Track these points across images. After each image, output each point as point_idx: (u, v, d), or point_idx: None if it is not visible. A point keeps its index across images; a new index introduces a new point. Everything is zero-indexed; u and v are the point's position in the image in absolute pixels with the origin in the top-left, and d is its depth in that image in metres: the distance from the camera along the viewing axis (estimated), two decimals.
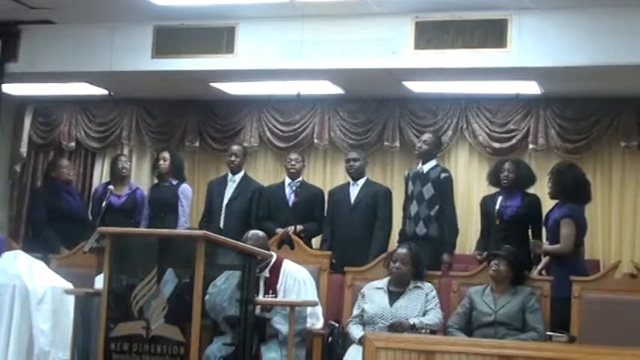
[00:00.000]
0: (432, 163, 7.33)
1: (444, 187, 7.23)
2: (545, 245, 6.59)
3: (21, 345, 5.80)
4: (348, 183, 7.64)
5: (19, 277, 5.91)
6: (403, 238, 7.24)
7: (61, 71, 8.43)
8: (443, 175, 7.26)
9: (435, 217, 7.17)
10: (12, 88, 8.96)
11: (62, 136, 9.87)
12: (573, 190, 6.54)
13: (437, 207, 7.18)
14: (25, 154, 10.01)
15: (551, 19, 7.22)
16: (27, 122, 10.01)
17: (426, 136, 7.54)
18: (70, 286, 6.01)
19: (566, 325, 5.98)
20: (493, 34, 7.31)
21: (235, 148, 8.07)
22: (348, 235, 7.34)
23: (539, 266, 6.60)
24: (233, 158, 7.93)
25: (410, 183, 7.37)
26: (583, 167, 7.52)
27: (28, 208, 9.44)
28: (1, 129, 8.87)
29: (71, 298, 5.77)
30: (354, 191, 7.52)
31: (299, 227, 7.31)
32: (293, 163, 7.75)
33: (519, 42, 7.24)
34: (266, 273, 5.92)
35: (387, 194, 7.63)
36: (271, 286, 5.90)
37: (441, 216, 7.19)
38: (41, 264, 6.23)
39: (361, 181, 7.56)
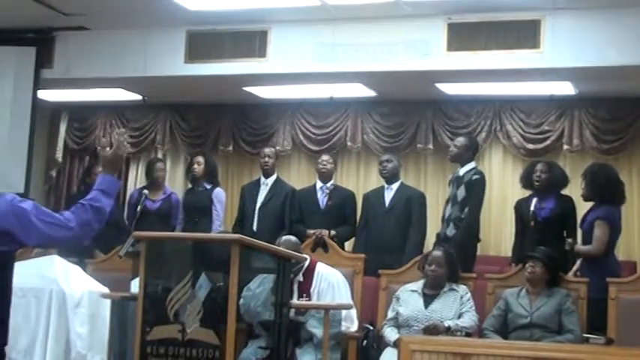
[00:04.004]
0: (470, 166, 7.28)
1: (473, 188, 7.18)
2: (578, 245, 6.54)
3: (58, 349, 5.84)
4: (383, 187, 7.62)
5: (56, 282, 5.95)
6: (437, 240, 7.23)
7: (95, 77, 8.51)
8: (475, 177, 7.21)
9: (464, 219, 7.13)
10: (47, 94, 9.05)
11: (97, 141, 9.93)
12: (607, 191, 6.48)
13: (467, 209, 7.15)
14: (60, 160, 10.11)
15: (584, 19, 7.17)
16: (62, 128, 10.12)
17: (458, 140, 7.49)
18: (106, 290, 6.04)
19: (602, 326, 5.93)
20: (526, 34, 7.27)
21: (267, 150, 8.07)
22: (382, 239, 7.32)
23: (574, 268, 6.55)
24: (267, 159, 7.92)
25: (449, 186, 7.37)
26: (618, 168, 7.47)
27: None
28: (37, 135, 8.93)
29: (107, 302, 5.81)
30: (388, 195, 7.50)
31: (332, 232, 7.29)
32: (324, 164, 7.75)
33: (553, 42, 7.20)
34: (300, 277, 5.93)
35: (421, 198, 7.59)
36: (305, 289, 5.90)
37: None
38: (77, 268, 6.28)
39: (395, 185, 7.54)
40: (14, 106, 8.59)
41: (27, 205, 3.31)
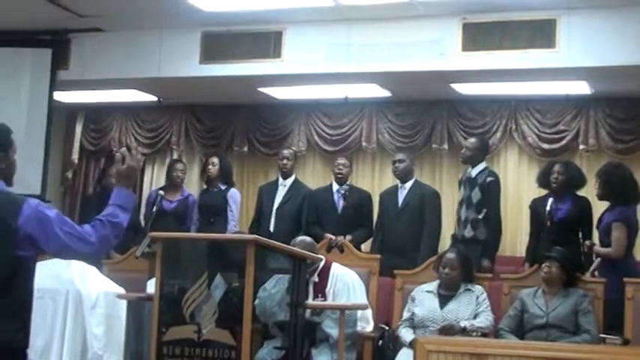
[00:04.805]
0: (481, 166, 7.29)
1: (489, 191, 7.18)
2: (597, 247, 6.52)
3: (75, 349, 5.87)
4: (397, 186, 7.60)
5: (72, 282, 5.98)
6: (453, 241, 7.22)
7: (111, 78, 8.54)
8: (489, 179, 7.21)
9: (483, 221, 7.13)
10: (63, 96, 9.09)
11: (113, 142, 9.98)
12: (621, 191, 6.46)
13: (484, 211, 7.14)
14: (76, 161, 10.15)
15: (600, 19, 7.15)
16: (78, 129, 10.15)
17: (469, 142, 7.49)
18: (122, 290, 6.06)
19: (619, 327, 5.91)
20: (542, 34, 7.25)
21: (286, 152, 8.06)
22: (396, 239, 7.30)
23: (592, 267, 6.53)
24: (285, 162, 7.91)
25: (461, 187, 7.36)
26: (634, 167, 7.42)
27: (80, 215, 9.55)
28: (53, 136, 8.98)
29: (123, 303, 5.82)
30: (401, 194, 7.48)
31: (347, 237, 7.22)
32: (340, 167, 7.71)
33: (568, 42, 7.18)
34: (315, 277, 5.92)
35: (434, 196, 7.57)
36: (320, 289, 5.90)
37: (487, 220, 7.16)
38: (94, 269, 6.30)
39: (409, 184, 7.51)
40: (31, 107, 8.65)
41: (51, 212, 3.35)
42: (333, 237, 7.03)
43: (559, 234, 6.71)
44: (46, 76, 8.65)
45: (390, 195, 7.61)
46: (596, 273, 6.45)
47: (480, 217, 7.11)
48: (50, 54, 8.63)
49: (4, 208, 3.32)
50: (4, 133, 3.50)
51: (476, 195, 7.15)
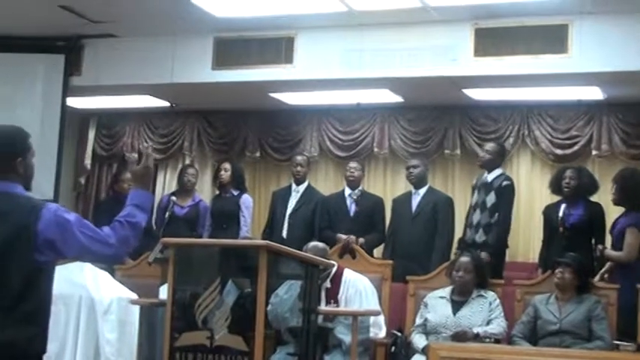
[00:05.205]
0: (497, 172, 7.29)
1: (503, 194, 7.18)
2: (608, 251, 6.51)
3: (87, 355, 5.87)
4: (410, 192, 7.60)
5: (85, 288, 5.99)
6: (463, 245, 7.20)
7: (123, 84, 8.56)
8: (505, 182, 7.22)
9: (495, 225, 7.12)
10: (76, 102, 9.12)
11: (125, 147, 10.00)
12: (636, 197, 6.45)
13: (497, 215, 7.14)
14: (89, 166, 10.16)
15: (613, 24, 7.12)
16: (91, 135, 10.17)
17: (489, 146, 7.49)
18: (135, 296, 6.07)
19: (632, 333, 5.89)
20: (554, 39, 7.23)
21: (300, 158, 8.09)
22: (409, 245, 7.30)
23: (602, 270, 6.51)
24: (299, 168, 7.94)
25: (475, 192, 7.34)
26: None
27: (93, 220, 9.56)
28: (66, 142, 9.01)
29: (136, 309, 5.83)
30: (415, 200, 7.49)
31: (360, 240, 7.25)
32: (352, 171, 7.74)
33: (581, 47, 7.15)
34: (327, 283, 5.93)
35: (448, 202, 7.58)
36: (333, 295, 5.91)
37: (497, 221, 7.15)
38: (106, 274, 6.31)
39: (422, 190, 7.52)
40: (44, 113, 8.68)
41: (71, 216, 3.35)
42: (345, 236, 7.06)
43: (572, 239, 6.70)
44: (59, 81, 8.69)
45: (403, 201, 7.62)
46: (606, 276, 6.43)
47: (493, 221, 7.10)
48: (63, 60, 8.66)
49: (24, 213, 3.32)
50: (22, 138, 3.50)
51: (491, 199, 7.15)
